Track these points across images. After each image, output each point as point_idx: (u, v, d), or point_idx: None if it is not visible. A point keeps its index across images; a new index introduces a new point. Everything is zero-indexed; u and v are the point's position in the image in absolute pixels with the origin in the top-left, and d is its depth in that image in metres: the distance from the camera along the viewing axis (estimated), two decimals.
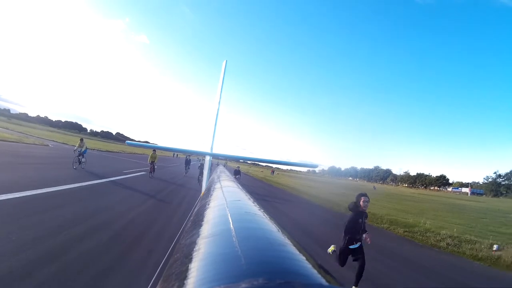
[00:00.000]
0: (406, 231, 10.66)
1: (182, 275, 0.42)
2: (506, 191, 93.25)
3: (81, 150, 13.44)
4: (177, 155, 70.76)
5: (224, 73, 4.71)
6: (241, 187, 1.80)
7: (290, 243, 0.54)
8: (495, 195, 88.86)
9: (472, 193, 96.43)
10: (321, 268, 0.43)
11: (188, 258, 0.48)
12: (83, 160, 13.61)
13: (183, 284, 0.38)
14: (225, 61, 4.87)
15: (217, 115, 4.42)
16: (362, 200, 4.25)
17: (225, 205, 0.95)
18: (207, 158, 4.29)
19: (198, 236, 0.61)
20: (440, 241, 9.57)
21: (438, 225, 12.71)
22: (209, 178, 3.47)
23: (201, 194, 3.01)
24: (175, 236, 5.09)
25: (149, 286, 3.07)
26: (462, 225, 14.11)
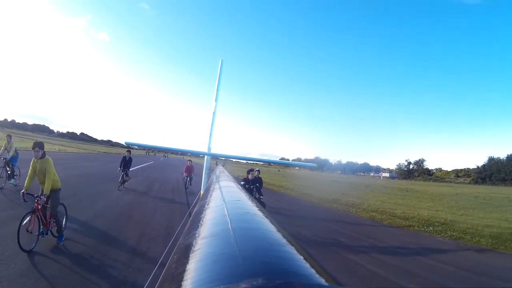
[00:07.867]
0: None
1: (181, 276, 0.42)
2: (418, 175, 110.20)
3: (8, 156, 7.69)
4: (148, 153, 56.77)
5: (220, 73, 4.78)
6: (240, 187, 1.76)
7: (290, 243, 0.54)
8: (404, 178, 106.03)
9: (391, 177, 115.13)
10: (321, 268, 0.43)
11: (187, 258, 0.49)
12: (12, 172, 7.82)
13: (182, 284, 0.38)
14: (220, 60, 4.89)
15: (214, 114, 4.44)
16: None
17: (224, 205, 0.95)
18: (206, 158, 4.34)
19: (198, 236, 0.61)
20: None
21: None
22: (208, 178, 3.44)
23: (200, 194, 2.95)
24: None
25: (146, 286, 2.95)
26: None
